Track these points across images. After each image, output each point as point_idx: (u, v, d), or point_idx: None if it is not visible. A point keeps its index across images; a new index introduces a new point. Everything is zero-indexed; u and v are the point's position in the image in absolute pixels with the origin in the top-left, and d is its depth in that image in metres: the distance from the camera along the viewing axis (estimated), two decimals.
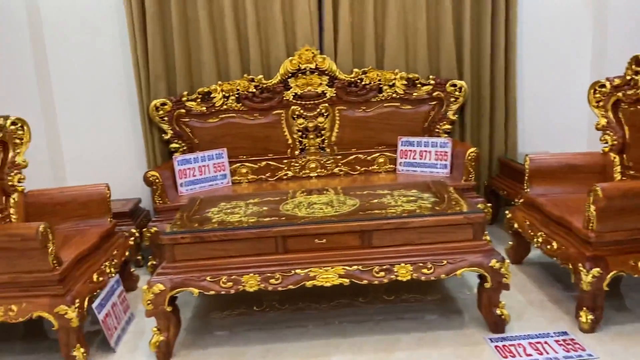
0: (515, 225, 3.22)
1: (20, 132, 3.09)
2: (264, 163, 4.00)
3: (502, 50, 4.00)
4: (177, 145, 3.91)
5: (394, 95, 3.97)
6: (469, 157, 3.58)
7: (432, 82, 3.95)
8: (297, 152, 4.02)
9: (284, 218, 2.62)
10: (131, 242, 3.30)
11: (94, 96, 4.02)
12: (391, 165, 4.06)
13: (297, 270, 2.47)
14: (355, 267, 2.48)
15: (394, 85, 3.96)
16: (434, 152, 3.87)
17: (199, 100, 3.89)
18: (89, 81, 4.00)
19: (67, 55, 3.96)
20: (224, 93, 3.88)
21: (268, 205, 2.86)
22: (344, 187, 3.29)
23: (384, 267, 2.48)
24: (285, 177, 4.02)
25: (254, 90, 3.90)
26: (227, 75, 3.95)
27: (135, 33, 3.79)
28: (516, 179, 3.73)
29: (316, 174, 4.04)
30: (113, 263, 2.94)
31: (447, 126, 4.01)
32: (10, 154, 3.04)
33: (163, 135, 3.90)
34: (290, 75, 3.90)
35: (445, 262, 2.49)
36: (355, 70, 3.92)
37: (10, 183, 3.01)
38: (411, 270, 2.48)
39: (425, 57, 3.99)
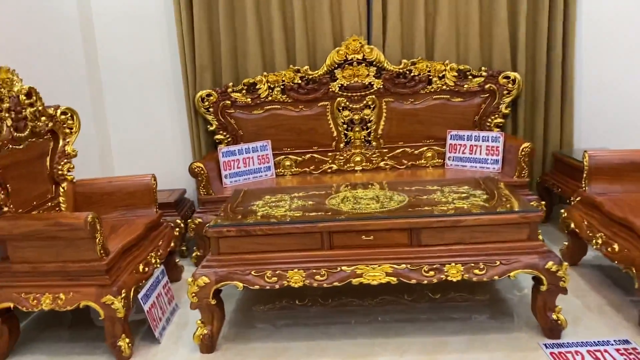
0: (572, 225, 3.06)
1: (70, 122, 3.12)
2: (308, 156, 3.95)
3: (560, 41, 3.81)
4: (221, 137, 3.89)
5: (444, 87, 3.84)
6: (523, 153, 3.42)
7: (484, 73, 3.80)
8: (342, 145, 3.94)
9: (329, 213, 2.55)
10: (176, 233, 3.29)
11: (141, 87, 4.05)
12: (439, 160, 3.93)
13: (343, 267, 2.40)
14: (404, 265, 2.39)
15: (444, 76, 3.82)
16: (484, 147, 3.73)
17: (244, 91, 3.85)
18: (137, 72, 4.03)
19: (115, 46, 4.00)
20: (269, 84, 3.84)
21: (313, 199, 2.80)
22: (391, 182, 3.19)
23: (434, 266, 2.38)
24: (329, 170, 3.95)
25: (300, 81, 3.84)
26: (273, 66, 3.90)
27: (183, 23, 3.78)
28: (572, 176, 3.55)
29: (361, 168, 3.95)
30: (158, 254, 2.94)
31: (499, 120, 3.85)
32: (60, 144, 3.07)
33: (208, 126, 3.89)
34: (336, 66, 3.82)
35: (498, 262, 2.37)
36: (404, 61, 3.81)
37: (60, 172, 3.04)
38: (462, 271, 2.38)
39: (477, 47, 3.84)
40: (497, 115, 3.85)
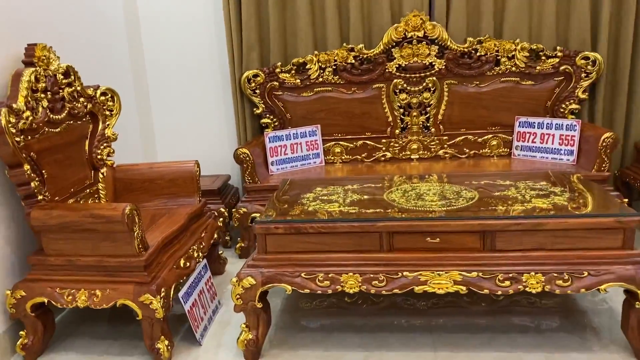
0: None
1: (110, 104, 2.94)
2: (360, 142, 3.66)
3: None
4: (268, 121, 3.64)
5: (513, 68, 3.47)
6: (604, 143, 3.04)
7: (560, 54, 3.40)
8: (397, 131, 3.63)
9: (389, 210, 2.27)
10: (220, 223, 3.08)
11: (185, 67, 3.84)
12: (505, 149, 3.58)
13: (405, 273, 2.13)
14: (475, 273, 2.10)
15: (513, 57, 3.45)
16: (557, 136, 3.35)
17: (293, 72, 3.58)
18: (181, 51, 3.81)
19: (159, 24, 3.78)
20: (320, 64, 3.55)
21: (370, 193, 2.53)
22: (453, 174, 2.89)
23: (510, 275, 2.08)
24: (382, 158, 3.66)
25: (353, 61, 3.54)
26: (325, 45, 3.61)
27: (230, 6, 3.53)
28: None
29: (418, 156, 3.64)
30: (201, 247, 2.74)
31: (575, 106, 3.46)
32: (100, 127, 2.89)
33: (254, 109, 3.65)
34: (394, 44, 3.50)
35: (586, 273, 2.05)
36: (470, 39, 3.45)
37: (99, 157, 2.87)
38: (543, 281, 2.07)
39: (552, 25, 3.44)
40: (572, 101, 3.46)
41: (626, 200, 3.03)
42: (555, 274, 2.06)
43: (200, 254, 2.70)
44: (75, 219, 2.22)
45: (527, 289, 2.07)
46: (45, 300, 2.30)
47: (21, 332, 2.37)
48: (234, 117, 3.78)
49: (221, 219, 3.14)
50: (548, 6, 3.41)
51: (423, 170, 3.48)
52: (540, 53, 3.43)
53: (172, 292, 2.32)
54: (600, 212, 2.11)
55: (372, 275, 2.14)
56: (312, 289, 2.16)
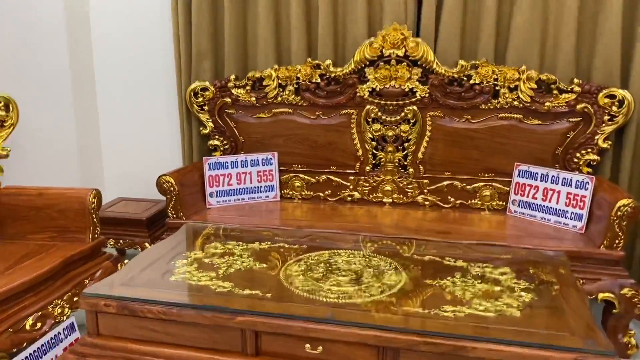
0: None
1: (2, 114, 2.46)
2: (323, 177, 3.02)
3: None
4: (217, 143, 3.07)
5: (516, 102, 2.73)
6: (619, 213, 2.28)
7: (577, 88, 2.64)
8: (368, 168, 2.97)
9: (268, 295, 1.64)
10: (120, 267, 2.53)
11: (133, 76, 3.34)
12: (501, 202, 2.85)
13: None
14: None
15: (517, 88, 2.72)
16: (564, 194, 2.60)
17: (248, 88, 3.00)
18: (129, 58, 3.31)
19: (107, 25, 3.29)
20: (279, 81, 2.95)
21: (270, 259, 1.90)
22: (399, 235, 2.22)
23: None
24: (349, 198, 3.01)
25: (319, 80, 2.91)
26: (289, 58, 3.00)
27: (178, 4, 2.99)
28: None
29: (391, 200, 2.97)
30: (74, 300, 2.19)
31: (593, 157, 2.69)
32: None
33: (201, 128, 3.09)
34: (368, 63, 2.84)
35: None
36: (462, 62, 2.75)
37: None
38: None
39: (571, 50, 2.68)
40: (590, 150, 2.68)
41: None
42: None
43: (69, 311, 2.16)
44: None
45: None
46: None
47: None
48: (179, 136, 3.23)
49: (122, 264, 2.58)
50: (566, 25, 2.66)
51: (397, 217, 2.82)
52: (552, 86, 2.68)
53: None
54: (557, 341, 1.39)
55: None
56: None
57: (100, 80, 3.39)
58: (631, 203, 2.27)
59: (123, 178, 3.49)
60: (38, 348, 1.99)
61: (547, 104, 2.69)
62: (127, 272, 1.81)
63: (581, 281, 2.32)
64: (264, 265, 1.86)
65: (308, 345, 1.51)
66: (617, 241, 2.31)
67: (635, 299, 2.29)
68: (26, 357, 1.93)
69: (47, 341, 2.03)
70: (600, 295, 2.32)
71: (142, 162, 3.37)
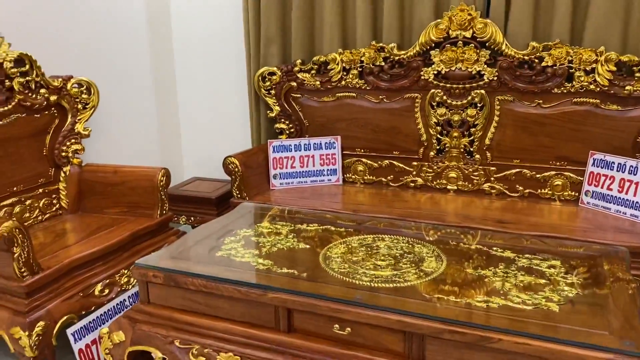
0: None
1: (85, 96, 2.68)
2: (386, 162, 3.00)
3: None
4: (283, 126, 3.14)
5: (592, 86, 2.55)
6: None
7: None
8: (432, 154, 2.91)
9: (304, 275, 1.67)
10: None
11: (209, 61, 3.48)
12: (574, 192, 2.69)
13: None
14: None
15: (593, 71, 2.54)
16: None
17: (313, 72, 3.03)
18: (206, 44, 3.46)
19: (185, 16, 3.46)
20: (344, 64, 2.95)
21: (313, 241, 1.94)
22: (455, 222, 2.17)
23: None
24: (412, 184, 2.97)
25: (383, 63, 2.88)
26: (354, 43, 3.00)
27: None
28: None
29: (456, 188, 2.89)
30: None
31: None
32: (69, 120, 2.65)
33: (268, 112, 3.17)
34: (433, 45, 2.77)
35: None
36: (533, 44, 2.61)
37: (63, 154, 2.62)
38: None
39: None
40: None
41: None
42: None
43: (134, 280, 2.34)
44: None
45: None
46: None
47: None
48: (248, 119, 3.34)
49: None
50: None
51: (461, 205, 2.75)
52: (635, 68, 2.47)
53: (57, 328, 1.98)
54: (594, 339, 1.31)
55: None
56: None
57: (179, 67, 3.57)
58: None
59: (199, 159, 3.67)
60: (104, 312, 2.17)
61: (627, 87, 2.48)
62: (178, 246, 1.93)
63: None
64: (307, 246, 1.90)
65: (337, 325, 1.53)
66: None
67: None
68: (93, 320, 2.12)
69: (113, 307, 2.21)
70: None
71: (216, 144, 3.52)
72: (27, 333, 1.88)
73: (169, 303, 1.75)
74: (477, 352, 1.38)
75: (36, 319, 1.92)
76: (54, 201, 2.61)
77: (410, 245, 1.88)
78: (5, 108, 2.34)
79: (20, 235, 1.90)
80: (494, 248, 1.86)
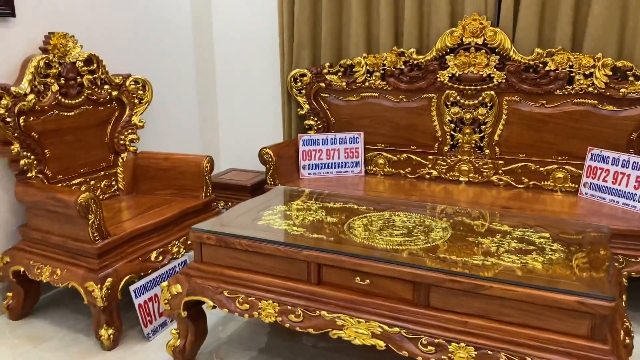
0: None
1: (140, 92, 3.07)
2: (404, 156, 3.33)
3: None
4: (312, 123, 3.50)
5: (591, 89, 2.85)
6: None
7: None
8: (446, 149, 3.24)
9: (331, 239, 2.02)
10: None
11: (247, 63, 3.86)
12: (573, 184, 2.98)
13: (323, 313, 1.88)
14: (397, 329, 1.77)
15: (592, 75, 2.84)
16: (633, 177, 2.69)
17: (340, 74, 3.39)
18: (243, 48, 3.84)
19: (228, 24, 3.85)
20: (367, 67, 3.30)
21: (340, 216, 2.28)
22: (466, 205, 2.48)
23: (436, 340, 1.72)
24: (427, 176, 3.30)
25: (403, 66, 3.22)
26: (377, 48, 3.34)
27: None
28: None
29: (467, 179, 3.21)
30: (188, 243, 2.73)
31: None
32: (127, 113, 3.03)
33: (299, 109, 3.53)
34: (448, 51, 3.10)
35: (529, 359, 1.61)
36: (537, 50, 2.92)
37: (121, 142, 3.01)
38: (473, 358, 1.67)
39: None
40: None
41: None
42: (489, 352, 1.65)
43: (183, 251, 2.71)
44: (42, 199, 2.36)
45: None
46: (22, 270, 2.49)
47: (8, 294, 2.60)
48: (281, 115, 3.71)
49: None
50: None
51: (472, 195, 3.06)
52: (628, 72, 2.77)
53: (122, 284, 2.35)
54: (566, 286, 1.63)
55: (289, 308, 1.93)
56: (231, 310, 2.02)
57: (219, 68, 3.96)
58: None
59: (235, 151, 4.05)
60: (158, 275, 2.54)
61: (622, 90, 2.78)
62: (226, 216, 2.29)
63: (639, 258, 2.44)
64: (333, 219, 2.24)
65: (358, 278, 1.87)
66: None
67: None
68: (150, 281, 2.49)
69: (166, 271, 2.58)
70: None
71: (251, 138, 3.89)
72: (99, 286, 2.26)
73: (218, 261, 2.10)
74: (472, 298, 1.70)
75: (105, 275, 2.30)
76: (113, 183, 3.00)
77: (422, 220, 2.21)
78: (77, 101, 2.74)
79: (94, 205, 2.29)
80: (494, 223, 2.18)
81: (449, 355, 1.70)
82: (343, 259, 1.87)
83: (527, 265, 1.77)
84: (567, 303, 1.58)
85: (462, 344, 1.68)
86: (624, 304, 1.95)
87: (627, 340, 1.76)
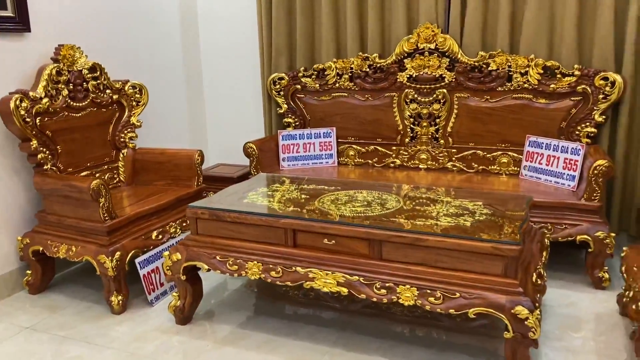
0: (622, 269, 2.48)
1: (137, 96, 3.48)
2: (371, 147, 3.80)
3: None
4: (290, 120, 3.95)
5: (526, 85, 3.34)
6: (595, 171, 2.85)
7: (577, 72, 3.20)
8: (407, 140, 3.71)
9: (304, 210, 2.46)
10: None
11: (231, 68, 4.32)
12: (515, 168, 3.47)
13: (298, 268, 2.32)
14: (356, 277, 2.22)
15: (526, 73, 3.33)
16: (562, 159, 3.18)
17: (313, 77, 3.84)
18: (229, 53, 4.29)
19: (214, 34, 4.30)
20: (337, 70, 3.76)
21: (313, 194, 2.72)
22: (408, 187, 2.94)
23: (387, 284, 2.17)
24: (392, 165, 3.76)
25: (368, 69, 3.69)
26: (345, 53, 3.81)
27: (262, 11, 3.88)
28: None
29: (426, 167, 3.68)
30: (184, 224, 3.15)
31: (591, 129, 3.23)
32: (126, 114, 3.45)
33: (277, 109, 3.98)
34: (406, 55, 3.58)
35: (458, 294, 2.07)
36: (481, 53, 3.40)
37: (122, 140, 3.43)
38: (416, 296, 2.12)
39: (573, 41, 3.24)
40: (588, 124, 3.23)
41: (613, 234, 2.82)
42: (428, 290, 2.11)
43: (179, 231, 3.13)
44: (59, 186, 2.77)
45: (400, 300, 2.15)
46: (40, 249, 2.89)
47: (27, 271, 3.00)
48: (262, 114, 4.15)
49: None
50: (568, 22, 3.21)
51: (431, 179, 3.52)
52: (556, 71, 3.26)
53: (128, 257, 2.77)
54: (480, 237, 2.09)
55: (271, 266, 2.37)
56: (223, 271, 2.46)
57: (206, 73, 4.40)
58: (605, 163, 2.84)
59: (221, 147, 4.48)
60: (159, 251, 2.96)
61: (552, 86, 3.27)
62: (216, 197, 2.72)
63: (564, 225, 2.93)
64: (307, 196, 2.69)
65: (325, 239, 2.31)
66: (594, 194, 2.88)
67: (607, 241, 2.83)
68: (152, 255, 2.91)
69: (165, 247, 3.00)
70: (578, 237, 2.89)
71: (236, 135, 4.32)
72: (109, 259, 2.67)
73: (211, 232, 2.53)
74: (413, 249, 2.15)
75: (114, 250, 2.72)
76: (115, 175, 3.41)
77: (380, 195, 2.66)
78: (83, 103, 3.16)
79: (104, 190, 2.71)
80: (439, 196, 2.64)
81: (397, 295, 2.15)
82: (313, 225, 2.32)
83: (459, 224, 2.24)
84: (485, 248, 2.04)
85: (407, 286, 2.13)
86: (544, 259, 2.41)
87: (540, 282, 2.22)
